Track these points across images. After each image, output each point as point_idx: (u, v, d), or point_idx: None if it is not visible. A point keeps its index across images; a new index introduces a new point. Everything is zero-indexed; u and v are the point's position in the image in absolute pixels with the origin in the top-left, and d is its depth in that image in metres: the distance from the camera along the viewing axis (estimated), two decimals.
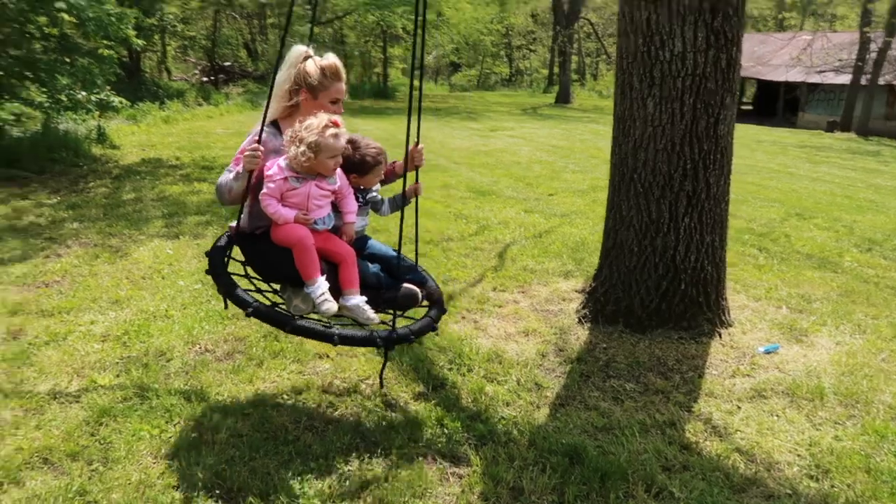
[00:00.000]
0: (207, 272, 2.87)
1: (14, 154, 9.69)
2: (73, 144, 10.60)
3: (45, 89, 10.04)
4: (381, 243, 3.23)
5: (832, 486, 2.73)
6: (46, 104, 10.13)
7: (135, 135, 13.36)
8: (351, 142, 2.94)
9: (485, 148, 13.89)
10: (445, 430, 3.02)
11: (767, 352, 3.83)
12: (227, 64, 34.27)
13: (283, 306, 2.97)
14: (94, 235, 6.10)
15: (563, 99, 32.75)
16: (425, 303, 3.13)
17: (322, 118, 2.72)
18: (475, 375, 3.55)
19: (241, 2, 30.45)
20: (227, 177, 2.80)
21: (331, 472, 2.68)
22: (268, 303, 2.97)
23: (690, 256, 3.86)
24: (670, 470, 2.79)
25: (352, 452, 2.83)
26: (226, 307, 2.87)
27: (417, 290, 3.05)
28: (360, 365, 3.62)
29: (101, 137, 11.56)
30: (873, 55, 24.26)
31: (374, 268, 3.07)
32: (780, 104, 30.60)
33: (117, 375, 3.43)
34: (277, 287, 3.13)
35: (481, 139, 15.62)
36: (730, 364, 3.71)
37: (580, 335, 4.04)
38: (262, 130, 2.76)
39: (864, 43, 24.58)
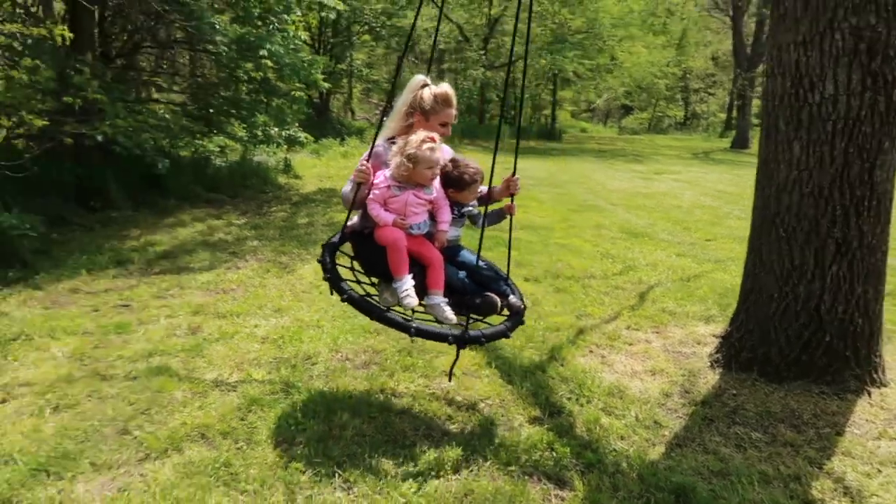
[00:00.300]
0: (318, 261, 3.25)
1: (215, 180, 11.12)
2: (263, 174, 11.93)
3: (245, 125, 11.41)
4: (473, 254, 3.39)
5: None
6: (245, 138, 11.50)
7: (316, 167, 14.68)
8: (453, 161, 3.25)
9: (645, 190, 13.62)
10: (554, 454, 3.10)
11: None
12: None
13: (376, 298, 3.26)
14: (268, 253, 6.86)
15: (740, 144, 31.10)
16: (506, 313, 3.28)
17: (421, 134, 3.05)
18: (593, 407, 3.58)
19: (421, 48, 32.49)
20: (346, 187, 3.21)
21: (439, 478, 2.86)
22: (363, 293, 3.28)
23: (838, 307, 3.62)
24: None
25: (461, 463, 2.99)
26: (331, 293, 3.17)
27: (498, 299, 3.21)
28: (482, 386, 3.79)
29: (287, 168, 12.86)
30: None
31: (461, 274, 3.30)
32: None
33: (269, 372, 3.88)
34: (376, 281, 3.42)
35: (643, 181, 15.32)
36: (876, 425, 3.42)
37: (710, 379, 3.92)
38: (372, 147, 3.17)
39: None
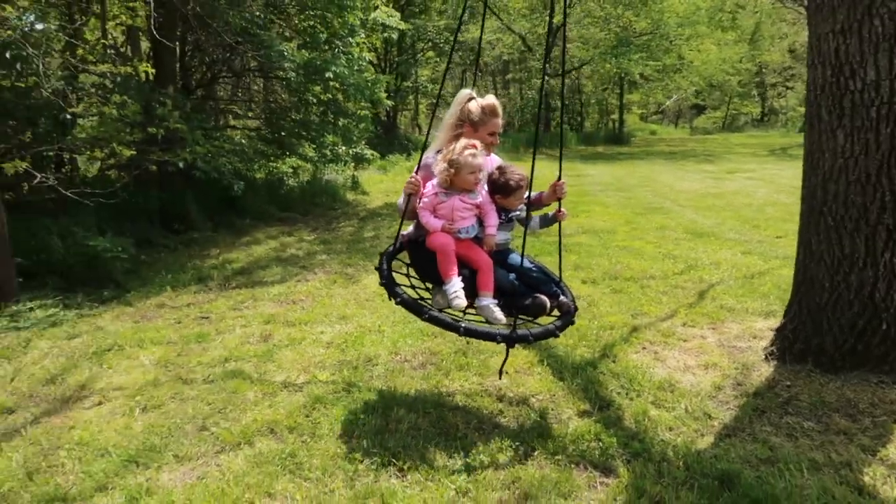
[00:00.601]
0: (376, 268, 3.45)
1: (287, 200, 11.68)
2: (332, 191, 12.42)
3: (314, 146, 11.94)
4: (522, 256, 3.39)
5: None
6: (315, 158, 12.02)
7: (382, 183, 15.11)
8: (500, 168, 3.40)
9: (715, 190, 13.33)
10: (601, 444, 3.20)
11: None
12: None
13: (430, 301, 3.43)
14: (336, 265, 7.19)
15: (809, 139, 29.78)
16: (556, 313, 3.36)
17: (462, 142, 3.24)
18: (643, 400, 3.64)
19: (485, 60, 32.81)
20: (400, 199, 3.41)
21: (489, 467, 3.01)
22: (416, 297, 3.46)
23: (893, 294, 3.56)
24: None
25: (510, 453, 3.14)
26: (389, 299, 3.33)
27: (547, 300, 3.30)
28: (534, 382, 3.92)
29: (355, 185, 13.33)
30: None
31: (510, 277, 3.39)
32: None
33: (333, 373, 4.14)
34: (430, 287, 3.58)
35: (714, 181, 14.98)
36: None
37: (763, 372, 3.90)
38: (420, 159, 3.41)
39: None
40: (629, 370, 4.02)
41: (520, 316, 3.31)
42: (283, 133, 11.83)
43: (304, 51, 11.04)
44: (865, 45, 3.37)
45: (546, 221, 3.59)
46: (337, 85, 11.10)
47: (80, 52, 8.10)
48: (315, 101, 11.88)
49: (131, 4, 10.03)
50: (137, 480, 3.00)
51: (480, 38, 4.01)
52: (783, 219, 9.58)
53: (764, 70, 44.67)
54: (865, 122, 3.43)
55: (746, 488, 2.76)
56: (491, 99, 3.46)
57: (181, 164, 8.16)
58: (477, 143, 3.28)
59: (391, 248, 3.58)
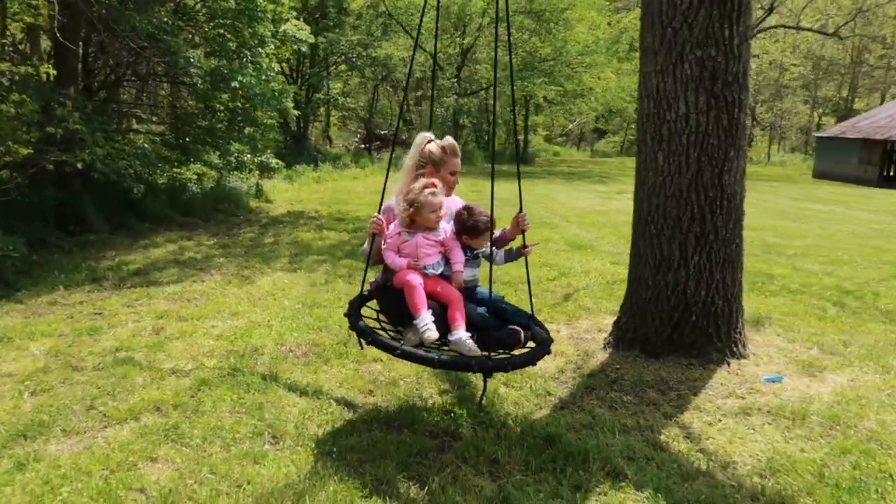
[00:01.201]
0: (345, 314, 3.47)
1: (189, 205, 11.72)
2: (235, 198, 12.54)
3: (219, 153, 12.03)
4: (489, 291, 3.46)
5: (775, 483, 3.08)
6: (220, 165, 12.11)
7: (288, 192, 15.31)
8: (467, 209, 3.48)
9: (601, 208, 14.37)
10: (453, 416, 3.71)
11: (770, 380, 4.13)
12: (383, 132, 37.49)
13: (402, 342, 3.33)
14: (232, 268, 7.45)
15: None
16: (531, 344, 3.40)
17: (422, 181, 3.37)
18: (496, 381, 4.19)
19: (397, 77, 33.38)
20: (364, 244, 3.51)
21: (353, 434, 3.45)
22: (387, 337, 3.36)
23: (701, 291, 4.29)
24: (632, 459, 3.27)
25: (374, 424, 3.59)
26: (361, 347, 3.42)
27: (521, 330, 3.36)
28: (404, 368, 4.39)
29: (259, 193, 13.49)
30: None
31: (480, 310, 3.42)
32: None
33: (220, 361, 4.47)
34: (402, 329, 3.50)
35: (602, 200, 16.10)
36: (728, 387, 4.06)
37: (600, 358, 4.55)
38: (381, 202, 3.52)
39: None
40: None
41: (494, 349, 3.28)
42: (187, 139, 11.88)
43: (212, 59, 11.21)
44: (678, 84, 4.09)
45: (511, 256, 3.70)
46: (243, 94, 11.30)
47: None
48: (222, 108, 12.02)
49: (34, 3, 9.95)
50: (25, 450, 3.25)
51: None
52: None
53: None
54: (678, 147, 4.14)
55: (566, 445, 3.33)
56: (450, 139, 3.60)
57: (79, 165, 8.18)
58: (437, 181, 3.38)
59: (359, 296, 3.61)
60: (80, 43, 10.15)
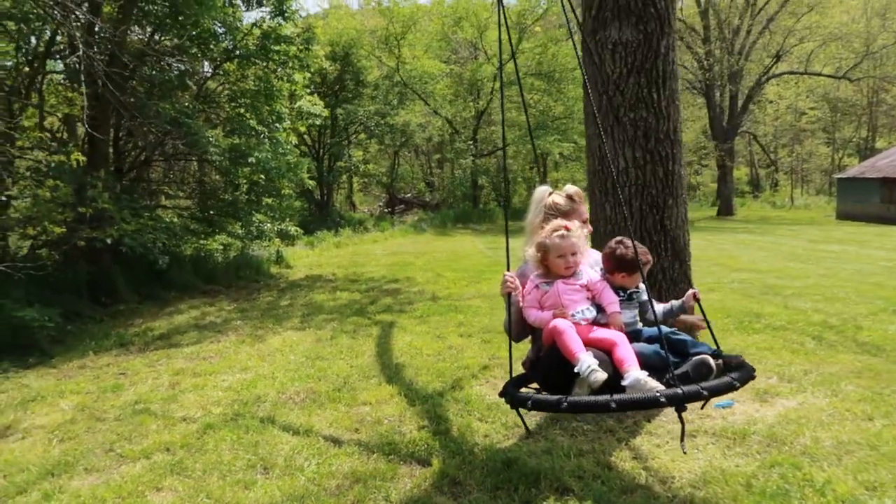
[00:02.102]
0: (500, 394, 3.01)
1: (213, 273, 12.45)
2: (256, 265, 13.27)
3: (241, 223, 12.82)
4: (669, 328, 3.08)
5: (706, 492, 3.44)
6: (242, 235, 12.89)
7: (308, 257, 16.04)
8: (619, 241, 3.18)
9: None
10: (427, 446, 4.14)
11: (722, 406, 4.47)
12: (406, 195, 38.61)
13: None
14: (248, 329, 8.03)
15: (725, 211, 32.46)
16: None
17: (554, 223, 3.08)
18: (472, 417, 4.61)
19: (416, 141, 34.64)
20: (504, 319, 3.10)
21: (335, 465, 3.90)
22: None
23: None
24: (581, 478, 3.66)
25: (355, 456, 4.04)
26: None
27: (710, 357, 2.81)
28: (390, 409, 4.85)
29: (279, 259, 14.22)
30: None
31: (652, 347, 2.93)
32: None
33: (225, 408, 4.98)
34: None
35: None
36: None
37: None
38: (507, 262, 3.02)
39: None
40: (469, 397, 5.00)
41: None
42: (212, 212, 12.73)
43: (230, 137, 12.13)
44: (617, 143, 4.62)
45: (671, 312, 3.30)
46: (260, 168, 12.14)
47: (19, 142, 8.94)
48: (245, 182, 12.89)
49: (70, 95, 11.00)
50: (52, 485, 3.77)
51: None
52: None
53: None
54: (622, 199, 4.61)
55: (521, 466, 3.73)
56: (573, 187, 3.42)
57: (108, 241, 8.95)
58: (570, 224, 3.10)
59: (512, 379, 3.12)
60: (111, 129, 11.15)
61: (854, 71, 36.97)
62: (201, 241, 12.82)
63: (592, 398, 2.64)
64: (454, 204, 33.87)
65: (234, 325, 8.37)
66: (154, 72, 11.61)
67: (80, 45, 7.98)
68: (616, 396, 2.59)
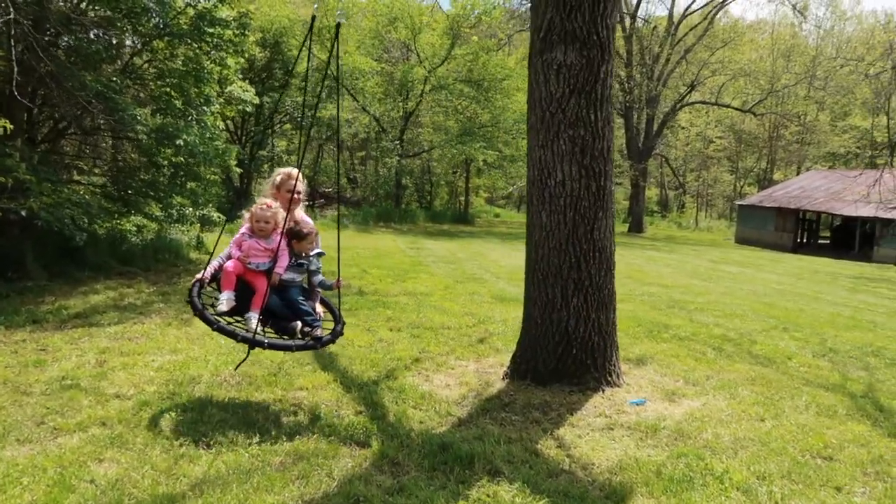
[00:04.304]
0: (187, 301, 4.59)
1: (129, 255, 12.07)
2: (176, 249, 12.96)
3: (161, 206, 12.48)
4: (303, 297, 4.71)
5: (622, 478, 3.81)
6: (161, 218, 12.55)
7: (227, 244, 15.73)
8: (296, 221, 4.72)
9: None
10: (365, 430, 4.33)
11: (636, 404, 4.91)
12: (327, 190, 38.26)
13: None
14: (172, 312, 7.92)
15: (636, 228, 34.09)
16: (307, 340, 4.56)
17: (262, 200, 4.62)
18: (406, 405, 4.84)
19: (342, 137, 34.41)
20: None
21: (276, 443, 4.04)
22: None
23: (580, 329, 5.08)
24: (511, 462, 3.96)
25: (295, 437, 4.18)
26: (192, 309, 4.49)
27: (298, 324, 4.56)
28: (326, 394, 5.01)
29: (199, 245, 13.92)
30: None
31: (281, 304, 4.62)
32: (856, 239, 30.55)
33: (159, 387, 4.99)
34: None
35: None
36: (599, 409, 4.83)
37: (498, 387, 5.27)
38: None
39: None
40: (403, 386, 5.22)
41: (280, 334, 4.57)
42: (129, 192, 12.31)
43: (157, 116, 11.80)
44: (556, 156, 4.98)
45: (325, 284, 4.87)
46: (187, 151, 11.88)
47: None
48: (166, 163, 12.55)
49: None
50: None
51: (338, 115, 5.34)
52: None
53: None
54: (558, 208, 5.00)
55: (456, 450, 4.00)
56: (289, 168, 4.92)
57: (23, 213, 8.57)
58: (270, 201, 4.62)
59: (199, 277, 4.73)
60: (28, 97, 10.64)
61: (759, 106, 39.63)
62: (115, 221, 12.38)
63: (211, 317, 4.35)
64: (376, 202, 33.94)
65: (157, 307, 8.22)
66: (80, 42, 11.17)
67: (10, 7, 7.66)
68: (219, 324, 4.29)
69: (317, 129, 28.96)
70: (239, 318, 4.55)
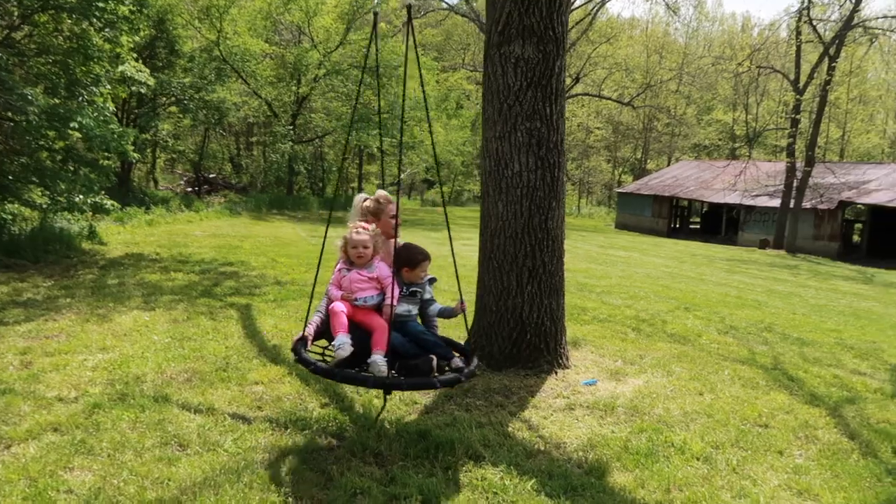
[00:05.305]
0: (292, 349, 3.84)
1: (13, 246, 11.07)
2: (66, 239, 12.02)
3: (47, 192, 11.51)
4: (423, 329, 4.09)
5: (595, 454, 4.04)
6: (46, 205, 11.58)
7: (121, 234, 14.81)
8: (405, 245, 4.09)
9: (438, 253, 15.47)
10: (337, 422, 4.31)
11: (588, 384, 5.19)
12: (211, 175, 36.60)
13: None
14: (84, 307, 7.40)
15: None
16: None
17: (357, 223, 4.01)
18: (370, 395, 4.84)
19: (230, 120, 33.04)
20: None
21: (252, 440, 3.94)
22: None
23: (534, 315, 5.29)
24: (488, 445, 4.08)
25: (269, 432, 4.09)
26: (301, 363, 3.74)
27: (434, 358, 3.80)
28: (286, 388, 4.91)
29: (91, 235, 13.00)
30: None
31: (404, 340, 3.90)
32: (723, 224, 33.21)
33: (105, 389, 4.69)
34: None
35: (436, 246, 17.24)
36: (556, 390, 5.07)
37: None
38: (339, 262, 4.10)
39: (790, 171, 27.36)
40: None
41: (411, 375, 3.74)
42: (10, 177, 11.27)
43: (47, 96, 10.86)
44: (513, 148, 5.13)
45: (444, 312, 4.30)
46: (79, 134, 11.04)
47: None
48: (47, 148, 11.56)
49: None
50: None
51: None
52: None
53: None
54: (514, 198, 5.15)
55: (435, 437, 4.07)
56: (381, 192, 4.35)
57: None
58: (366, 225, 4.00)
59: (301, 335, 3.92)
60: None
61: (636, 99, 41.92)
62: None
63: (325, 366, 3.60)
64: (267, 188, 32.93)
65: (65, 302, 7.64)
66: None
67: None
68: (343, 371, 3.56)
69: (204, 112, 27.61)
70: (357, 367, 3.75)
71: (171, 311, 7.35)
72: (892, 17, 29.19)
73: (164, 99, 25.94)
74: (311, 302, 4.20)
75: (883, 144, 51.68)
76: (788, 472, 3.97)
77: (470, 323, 5.71)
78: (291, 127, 29.83)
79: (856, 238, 30.93)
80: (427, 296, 4.23)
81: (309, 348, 3.88)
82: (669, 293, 11.32)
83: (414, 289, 4.09)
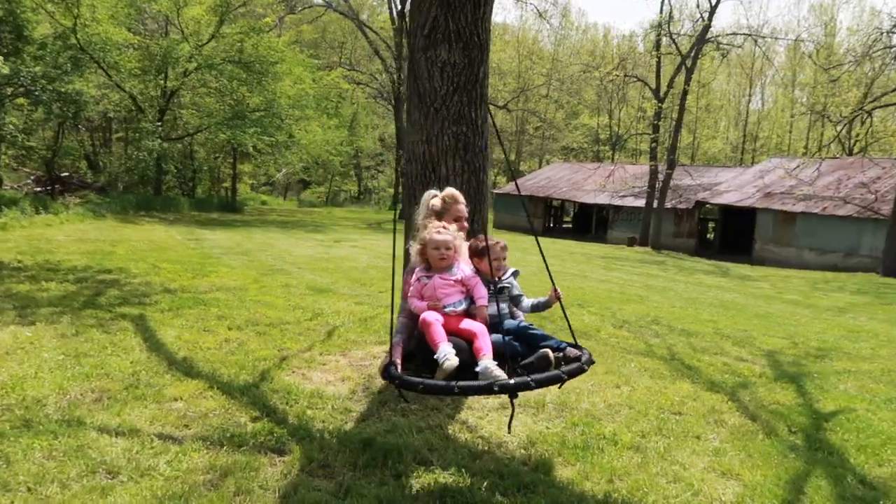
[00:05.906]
0: (383, 376, 3.35)
1: None
2: None
3: None
4: (517, 321, 3.73)
5: (536, 451, 4.15)
6: None
7: None
8: (474, 236, 3.96)
9: (326, 256, 15.24)
10: (275, 436, 4.14)
11: None
12: (64, 174, 33.65)
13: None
14: None
15: (407, 214, 35.31)
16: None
17: (435, 223, 3.66)
18: (300, 406, 4.69)
19: (88, 115, 30.58)
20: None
21: (188, 462, 3.69)
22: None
23: None
24: (433, 449, 4.08)
25: (203, 451, 3.86)
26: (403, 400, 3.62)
27: (550, 352, 3.33)
28: (209, 403, 4.64)
29: None
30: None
31: (507, 338, 3.44)
32: (593, 223, 35.12)
33: (2, 414, 4.21)
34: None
35: (324, 248, 16.98)
36: None
37: (381, 379, 5.32)
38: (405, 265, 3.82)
39: (653, 174, 29.40)
40: (285, 387, 5.03)
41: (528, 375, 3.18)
42: None
43: None
44: (440, 152, 5.15)
45: (537, 307, 3.96)
46: None
47: None
48: None
49: None
50: None
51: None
52: (383, 278, 11.70)
53: (360, 154, 50.73)
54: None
55: (381, 445, 4.01)
56: (449, 189, 4.03)
57: None
58: (447, 224, 3.66)
59: (389, 360, 3.42)
60: None
61: (512, 103, 43.34)
62: None
63: (441, 383, 3.10)
64: (131, 188, 30.81)
65: None
66: None
67: None
68: (460, 382, 3.06)
69: (59, 104, 25.37)
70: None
71: (56, 325, 6.71)
72: (740, 34, 32.15)
73: (11, 90, 23.59)
74: (392, 315, 3.69)
75: (727, 149, 56.90)
76: (710, 455, 4.28)
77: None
78: (160, 123, 28.10)
79: (709, 235, 33.77)
80: (516, 291, 3.99)
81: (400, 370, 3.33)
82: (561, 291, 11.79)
83: (502, 285, 3.85)
